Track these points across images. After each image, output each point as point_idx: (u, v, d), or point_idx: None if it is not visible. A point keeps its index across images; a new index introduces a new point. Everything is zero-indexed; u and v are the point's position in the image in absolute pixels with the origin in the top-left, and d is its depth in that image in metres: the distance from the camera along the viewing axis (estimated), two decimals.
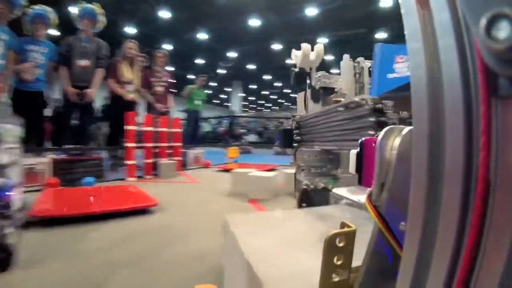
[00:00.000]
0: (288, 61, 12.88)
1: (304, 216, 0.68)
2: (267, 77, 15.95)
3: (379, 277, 0.33)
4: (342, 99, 1.30)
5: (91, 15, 3.07)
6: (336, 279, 0.33)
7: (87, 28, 3.07)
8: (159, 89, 3.83)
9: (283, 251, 0.47)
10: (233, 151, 4.19)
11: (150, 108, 3.79)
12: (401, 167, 0.31)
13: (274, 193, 2.05)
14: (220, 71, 14.28)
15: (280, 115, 13.69)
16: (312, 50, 1.62)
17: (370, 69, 1.71)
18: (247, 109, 22.96)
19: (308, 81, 1.65)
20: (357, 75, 1.65)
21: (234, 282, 0.53)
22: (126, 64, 3.42)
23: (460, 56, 0.20)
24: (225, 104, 21.04)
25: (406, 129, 0.33)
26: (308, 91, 1.70)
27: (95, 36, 3.19)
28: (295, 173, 1.67)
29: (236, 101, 17.14)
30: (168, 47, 10.28)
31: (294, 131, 1.72)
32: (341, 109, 1.06)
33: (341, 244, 0.33)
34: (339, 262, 0.33)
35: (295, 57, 1.69)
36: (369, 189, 0.34)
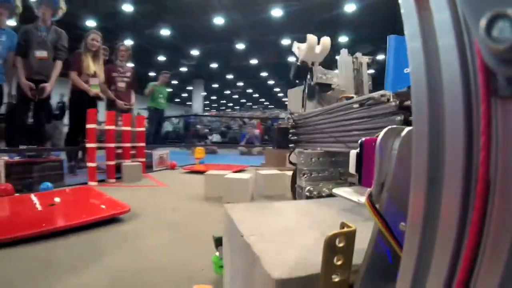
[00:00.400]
0: (251, 61, 12.85)
1: (303, 206, 0.70)
2: (229, 76, 15.76)
3: (379, 277, 0.33)
4: (354, 96, 1.23)
5: (49, 1, 2.80)
6: (336, 279, 0.33)
7: (45, 15, 2.78)
8: (121, 85, 3.59)
9: (280, 232, 0.48)
10: (199, 152, 4.01)
11: (110, 105, 3.51)
12: (401, 167, 0.32)
13: (251, 196, 1.95)
14: (182, 69, 13.92)
15: (245, 115, 13.40)
16: (318, 43, 1.54)
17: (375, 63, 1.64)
18: (208, 108, 22.50)
19: (308, 77, 1.58)
20: (355, 71, 1.59)
21: (233, 266, 0.53)
22: (89, 56, 3.17)
23: (460, 56, 0.20)
24: (187, 103, 20.43)
25: (406, 129, 0.33)
26: (304, 88, 1.64)
27: (54, 25, 2.89)
28: (292, 178, 1.58)
29: (198, 100, 16.64)
30: (128, 42, 9.91)
31: (291, 131, 1.63)
32: (356, 106, 0.99)
33: (341, 244, 0.33)
34: (339, 262, 0.33)
35: (298, 50, 1.63)
36: (369, 189, 0.34)
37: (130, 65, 3.86)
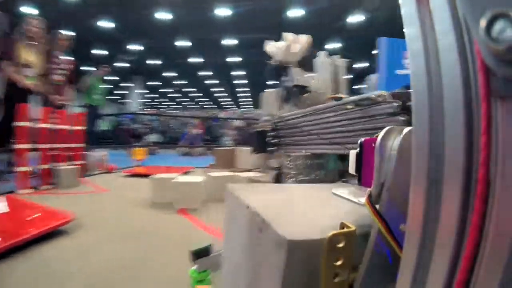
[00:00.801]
0: (193, 59, 12.39)
1: (302, 186, 0.70)
2: (170, 74, 15.21)
3: (379, 277, 0.33)
4: (344, 97, 1.21)
5: None
6: (337, 280, 0.33)
7: None
8: (58, 78, 3.15)
9: (284, 204, 0.48)
10: (139, 153, 3.79)
11: (45, 100, 3.02)
12: (401, 167, 0.32)
13: (203, 201, 1.81)
14: (121, 64, 12.99)
15: (185, 114, 12.90)
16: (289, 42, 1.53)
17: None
18: (147, 107, 21.12)
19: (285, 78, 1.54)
20: (333, 74, 1.58)
21: (236, 240, 0.54)
22: (26, 44, 2.79)
23: (460, 56, 0.20)
24: (120, 101, 18.99)
25: (406, 129, 0.33)
26: (281, 89, 1.60)
27: None
28: (275, 181, 1.51)
29: (136, 98, 15.45)
30: (67, 33, 8.97)
31: (270, 133, 1.58)
32: (350, 106, 0.98)
33: (341, 245, 0.33)
34: (339, 263, 0.33)
35: (275, 49, 1.59)
36: (369, 189, 0.34)
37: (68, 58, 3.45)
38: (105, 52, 11.72)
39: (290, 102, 1.56)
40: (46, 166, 2.43)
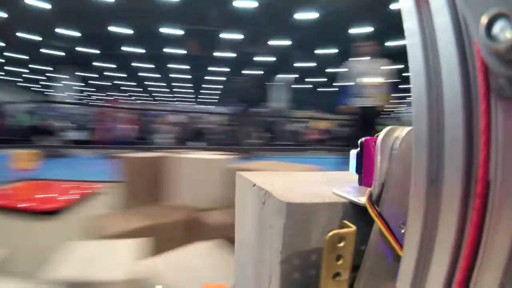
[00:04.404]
0: (130, 49, 11.14)
1: (313, 173, 0.71)
2: (101, 64, 13.64)
3: (379, 277, 0.33)
4: None
5: None
6: (336, 279, 0.33)
7: None
8: None
9: (290, 183, 0.50)
10: (25, 157, 2.21)
11: None
12: (401, 167, 0.32)
13: None
14: (49, 51, 11.32)
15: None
16: None
17: None
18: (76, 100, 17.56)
19: None
20: None
21: (245, 220, 0.55)
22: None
23: (460, 56, 0.20)
24: (45, 91, 15.79)
25: (407, 129, 0.33)
26: None
27: None
28: None
29: (66, 89, 13.24)
30: None
31: None
32: None
33: (341, 244, 0.33)
34: (339, 262, 0.33)
35: None
36: (369, 189, 0.34)
37: None
38: (33, 36, 10.00)
39: None
40: None
